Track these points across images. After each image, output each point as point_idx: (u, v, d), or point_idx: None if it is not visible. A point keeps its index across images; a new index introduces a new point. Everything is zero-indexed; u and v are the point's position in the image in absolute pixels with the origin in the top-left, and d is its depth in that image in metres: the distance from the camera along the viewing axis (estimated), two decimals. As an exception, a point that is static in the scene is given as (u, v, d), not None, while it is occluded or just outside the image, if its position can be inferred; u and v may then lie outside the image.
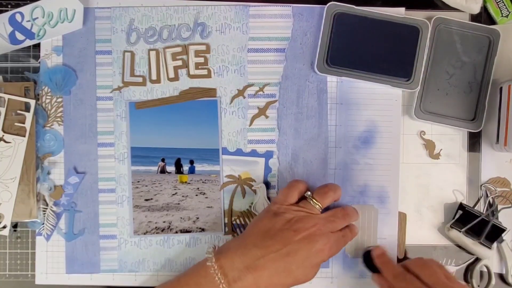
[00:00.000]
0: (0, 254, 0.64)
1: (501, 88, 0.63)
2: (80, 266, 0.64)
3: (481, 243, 0.62)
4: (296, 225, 0.56)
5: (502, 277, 0.64)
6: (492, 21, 0.65)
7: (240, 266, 0.54)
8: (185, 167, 0.64)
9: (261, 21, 0.64)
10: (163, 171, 0.64)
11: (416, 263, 0.56)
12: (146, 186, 0.64)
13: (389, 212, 0.64)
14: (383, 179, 0.64)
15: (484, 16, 0.65)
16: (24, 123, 0.63)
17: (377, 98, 0.64)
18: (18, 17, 0.63)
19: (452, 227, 0.63)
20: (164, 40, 0.64)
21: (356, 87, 0.64)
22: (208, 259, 0.55)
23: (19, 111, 0.63)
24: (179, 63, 0.64)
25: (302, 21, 0.64)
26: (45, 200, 0.63)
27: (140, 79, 0.64)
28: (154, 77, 0.64)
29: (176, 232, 0.64)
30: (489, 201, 0.64)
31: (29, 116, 0.63)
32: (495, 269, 0.64)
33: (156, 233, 0.64)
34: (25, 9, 0.62)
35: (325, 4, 0.63)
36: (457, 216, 0.63)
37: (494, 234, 0.62)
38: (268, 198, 0.64)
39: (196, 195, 0.64)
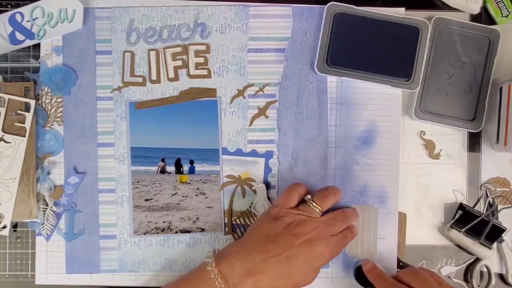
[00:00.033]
0: (0, 254, 0.64)
1: (501, 88, 0.63)
2: (80, 266, 0.64)
3: (481, 243, 0.62)
4: (296, 229, 0.56)
5: (502, 277, 0.64)
6: (492, 21, 0.65)
7: (240, 271, 0.54)
8: (185, 167, 0.64)
9: (261, 21, 0.64)
10: (163, 171, 0.64)
11: (408, 273, 0.56)
12: (146, 186, 0.64)
13: (389, 212, 0.64)
14: (383, 179, 0.64)
15: (484, 16, 0.65)
16: (24, 123, 0.63)
17: (377, 98, 0.64)
18: (18, 17, 0.63)
19: (452, 227, 0.63)
20: (164, 40, 0.64)
21: (356, 87, 0.64)
22: (208, 263, 0.55)
23: (19, 111, 0.63)
24: (179, 63, 0.64)
25: (302, 21, 0.64)
26: (45, 200, 0.63)
27: (140, 79, 0.64)
28: (154, 77, 0.64)
29: (176, 232, 0.64)
30: (489, 201, 0.64)
31: (29, 116, 0.63)
32: (495, 269, 0.64)
33: (156, 233, 0.64)
34: (25, 9, 0.62)
35: (325, 4, 0.63)
36: (457, 216, 0.63)
37: (494, 234, 0.62)
38: (268, 198, 0.64)
39: (196, 195, 0.64)
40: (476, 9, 0.64)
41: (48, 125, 0.64)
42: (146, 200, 0.64)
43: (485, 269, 0.64)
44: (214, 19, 0.64)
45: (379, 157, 0.64)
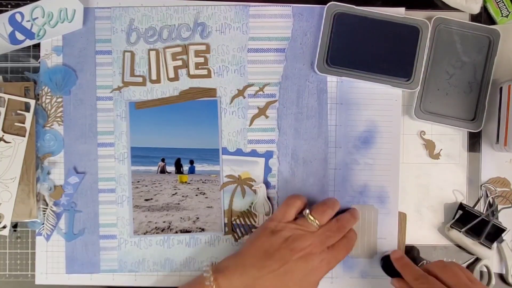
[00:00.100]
0: (0, 254, 0.64)
1: (501, 88, 0.63)
2: (80, 266, 0.64)
3: (481, 243, 0.62)
4: (293, 244, 0.56)
5: (502, 277, 0.64)
6: (492, 21, 0.65)
7: (238, 285, 0.55)
8: (185, 167, 0.64)
9: (261, 21, 0.64)
10: (163, 171, 0.64)
11: (438, 265, 0.55)
12: (146, 186, 0.64)
13: (389, 212, 0.64)
14: (383, 179, 0.64)
15: (484, 16, 0.65)
16: (24, 123, 0.63)
17: (377, 98, 0.64)
18: (18, 17, 0.63)
19: (452, 227, 0.63)
20: (164, 40, 0.64)
21: (356, 87, 0.64)
22: (206, 278, 0.55)
23: (19, 111, 0.63)
24: (179, 63, 0.64)
25: (302, 21, 0.64)
26: (45, 200, 0.63)
27: (140, 79, 0.64)
28: (154, 77, 0.64)
29: (176, 232, 0.64)
30: (489, 201, 0.64)
31: (29, 116, 0.63)
32: (495, 269, 0.64)
33: (156, 233, 0.64)
34: (25, 9, 0.62)
35: (325, 4, 0.63)
36: (457, 216, 0.63)
37: (494, 234, 0.62)
38: (268, 198, 0.64)
39: (196, 195, 0.64)
40: (476, 9, 0.64)
41: (48, 125, 0.64)
42: (146, 200, 0.64)
43: (485, 269, 0.64)
44: (214, 19, 0.64)
45: (379, 157, 0.64)
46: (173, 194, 0.64)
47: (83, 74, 0.64)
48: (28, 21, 0.63)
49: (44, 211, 0.63)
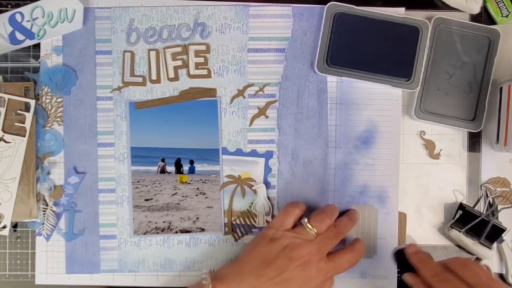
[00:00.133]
0: (0, 254, 0.64)
1: (501, 88, 0.63)
2: (80, 266, 0.64)
3: (481, 243, 0.62)
4: (291, 252, 0.56)
5: (502, 277, 0.64)
6: (492, 21, 0.65)
7: None
8: (185, 167, 0.64)
9: (261, 21, 0.64)
10: (163, 171, 0.64)
11: (457, 262, 0.53)
12: (146, 186, 0.64)
13: (389, 212, 0.64)
14: (383, 179, 0.64)
15: (484, 16, 0.65)
16: (24, 123, 0.63)
17: (377, 98, 0.64)
18: (18, 17, 0.63)
19: (452, 227, 0.63)
20: (164, 40, 0.64)
21: (356, 87, 0.64)
22: (205, 285, 0.55)
23: (19, 111, 0.63)
24: (179, 63, 0.64)
25: (302, 21, 0.64)
26: (45, 200, 0.63)
27: (140, 79, 0.64)
28: (154, 77, 0.64)
29: (176, 232, 0.64)
30: (489, 201, 0.64)
31: (29, 116, 0.63)
32: (495, 269, 0.64)
33: (156, 233, 0.64)
34: (25, 9, 0.62)
35: (325, 4, 0.63)
36: (457, 216, 0.63)
37: (494, 234, 0.62)
38: (268, 198, 0.64)
39: (196, 195, 0.64)
40: (476, 9, 0.64)
41: (48, 125, 0.64)
42: (146, 200, 0.64)
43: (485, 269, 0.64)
44: (214, 19, 0.64)
45: (379, 157, 0.64)
46: (173, 194, 0.64)
47: (83, 74, 0.64)
48: (28, 21, 0.63)
49: (44, 211, 0.63)
